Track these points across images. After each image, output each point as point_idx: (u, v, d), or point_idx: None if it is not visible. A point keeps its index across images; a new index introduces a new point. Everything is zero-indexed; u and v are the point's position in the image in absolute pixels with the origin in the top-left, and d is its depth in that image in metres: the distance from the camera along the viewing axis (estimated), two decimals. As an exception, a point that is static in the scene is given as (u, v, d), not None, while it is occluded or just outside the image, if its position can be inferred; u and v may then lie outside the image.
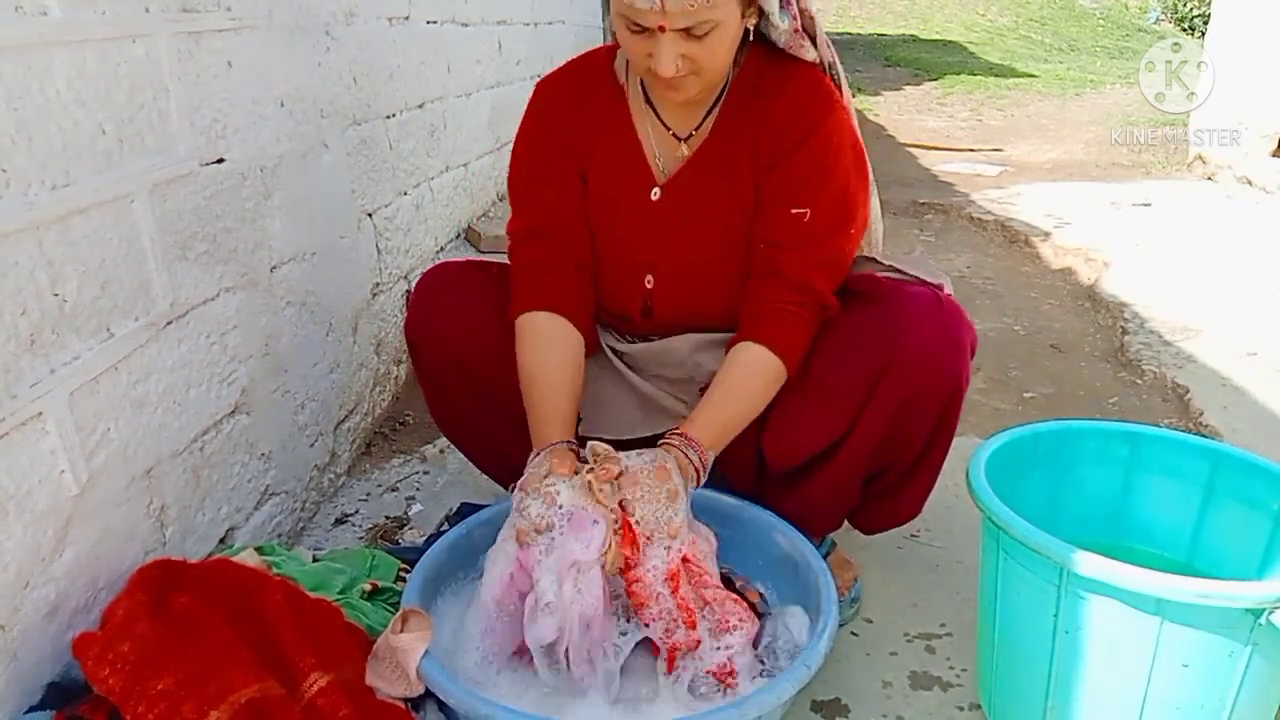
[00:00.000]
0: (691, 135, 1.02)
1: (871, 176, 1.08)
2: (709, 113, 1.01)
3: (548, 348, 1.01)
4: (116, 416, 0.90)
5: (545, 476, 0.89)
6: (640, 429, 1.13)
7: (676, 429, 0.95)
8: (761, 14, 0.93)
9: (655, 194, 1.02)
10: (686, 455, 0.92)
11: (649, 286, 1.06)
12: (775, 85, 0.99)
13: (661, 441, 0.94)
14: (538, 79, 1.12)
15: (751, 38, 0.95)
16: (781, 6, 0.93)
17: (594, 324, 1.08)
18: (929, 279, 1.03)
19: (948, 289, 1.03)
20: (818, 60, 1.01)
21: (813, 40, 0.99)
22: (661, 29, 0.86)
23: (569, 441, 0.95)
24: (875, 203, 1.11)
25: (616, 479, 0.88)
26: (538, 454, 0.94)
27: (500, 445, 1.15)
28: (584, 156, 1.04)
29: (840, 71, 1.04)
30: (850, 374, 0.97)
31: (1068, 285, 2.68)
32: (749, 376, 0.97)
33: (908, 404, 0.98)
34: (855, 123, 1.04)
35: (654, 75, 0.91)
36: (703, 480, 0.94)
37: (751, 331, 0.97)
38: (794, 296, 0.97)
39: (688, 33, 0.87)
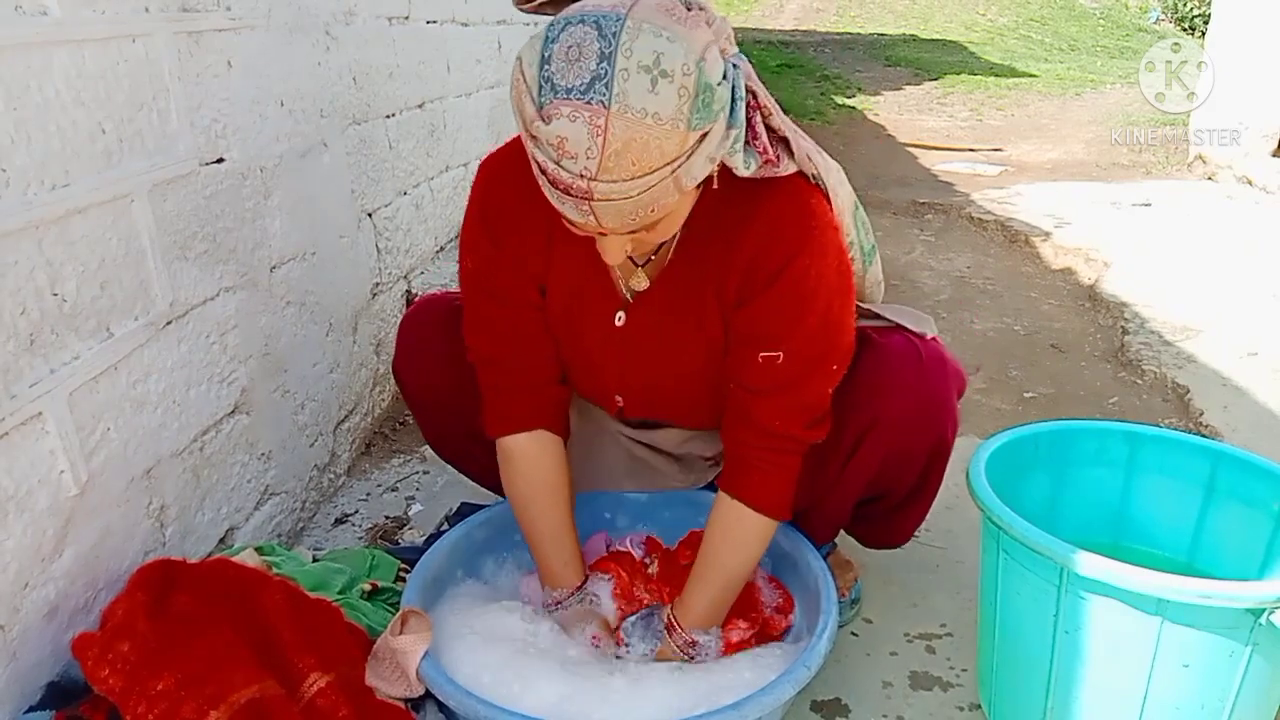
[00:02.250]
0: (650, 260, 0.92)
1: (876, 255, 1.02)
2: (672, 237, 0.89)
3: (534, 475, 0.98)
4: (116, 416, 0.90)
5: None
6: (626, 485, 1.14)
7: (673, 622, 0.96)
8: (722, 165, 0.80)
9: (620, 319, 0.94)
10: (677, 648, 0.95)
11: (620, 403, 1.03)
12: (745, 209, 0.87)
13: (667, 639, 0.96)
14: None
15: (714, 183, 0.80)
16: (748, 146, 0.79)
17: (568, 420, 1.02)
18: (912, 327, 0.98)
19: (931, 334, 0.98)
20: (797, 173, 0.87)
21: (789, 151, 0.86)
22: (603, 234, 0.77)
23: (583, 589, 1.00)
24: (877, 266, 1.04)
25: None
26: (559, 604, 0.99)
27: (493, 465, 1.14)
28: (542, 269, 0.93)
29: (826, 180, 0.90)
30: (833, 436, 0.94)
31: (1068, 285, 2.68)
32: (738, 548, 0.94)
33: (892, 458, 0.98)
34: (845, 235, 0.92)
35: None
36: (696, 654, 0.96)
37: (734, 485, 0.93)
38: (769, 443, 0.91)
39: (633, 232, 0.77)
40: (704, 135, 0.72)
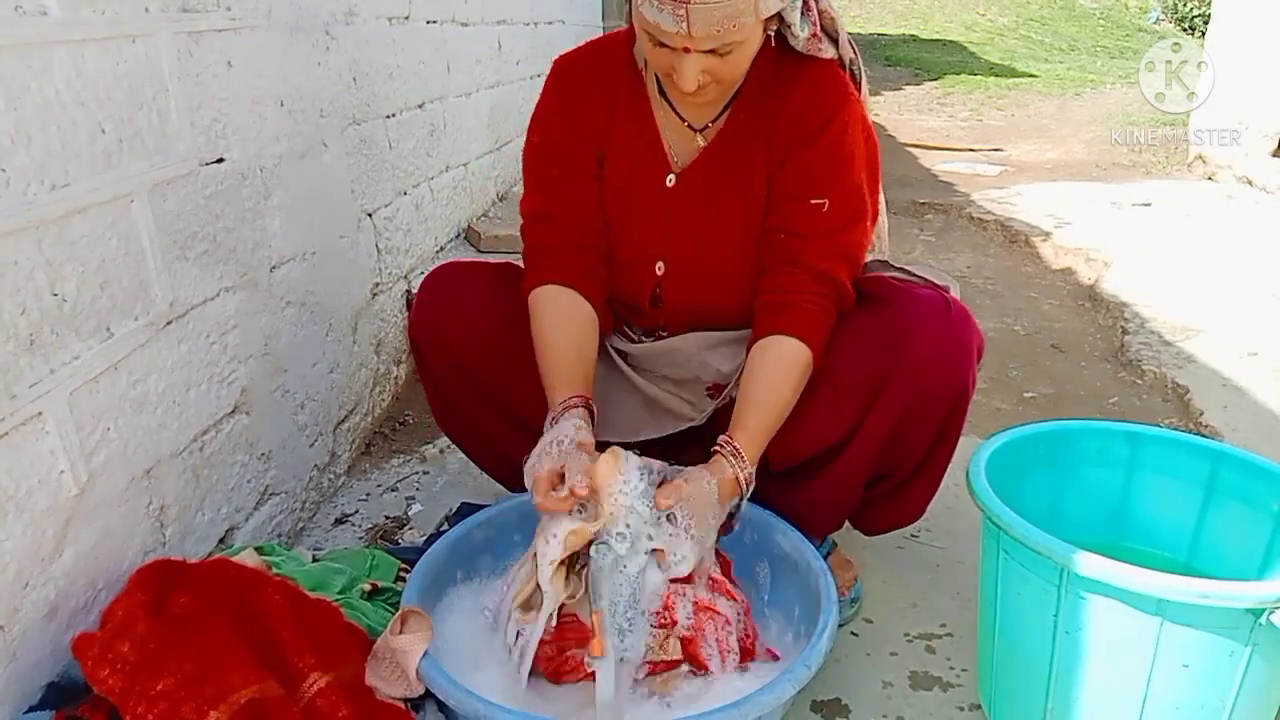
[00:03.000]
0: (707, 128, 1.02)
1: (880, 174, 1.09)
2: (725, 108, 1.02)
3: (561, 315, 1.01)
4: (116, 416, 0.90)
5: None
6: (646, 430, 1.13)
7: (730, 440, 0.93)
8: (783, 21, 0.94)
9: (670, 181, 1.03)
10: (739, 476, 0.92)
11: (659, 274, 1.05)
12: (791, 81, 1.00)
13: (717, 453, 0.93)
14: (538, 79, 1.12)
15: (773, 42, 0.96)
16: (803, 14, 0.94)
17: (606, 303, 1.07)
18: (936, 281, 1.03)
19: (954, 292, 1.03)
20: (836, 58, 1.01)
21: (833, 40, 1.00)
22: (686, 50, 0.88)
23: (584, 399, 0.96)
24: (881, 200, 1.12)
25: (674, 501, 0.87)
26: (554, 420, 0.95)
27: (501, 445, 1.15)
28: (601, 141, 1.04)
29: (860, 68, 1.05)
30: (856, 375, 0.97)
31: (1068, 285, 2.68)
32: (787, 374, 0.96)
33: (912, 407, 0.98)
34: (869, 118, 1.04)
35: (674, 84, 0.93)
36: (747, 495, 0.94)
37: (779, 323, 0.96)
38: (816, 286, 0.97)
39: (712, 52, 0.88)
40: None
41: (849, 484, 1.06)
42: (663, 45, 0.89)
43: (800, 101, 0.98)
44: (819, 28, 0.98)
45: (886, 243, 1.18)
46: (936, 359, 0.96)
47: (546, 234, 1.04)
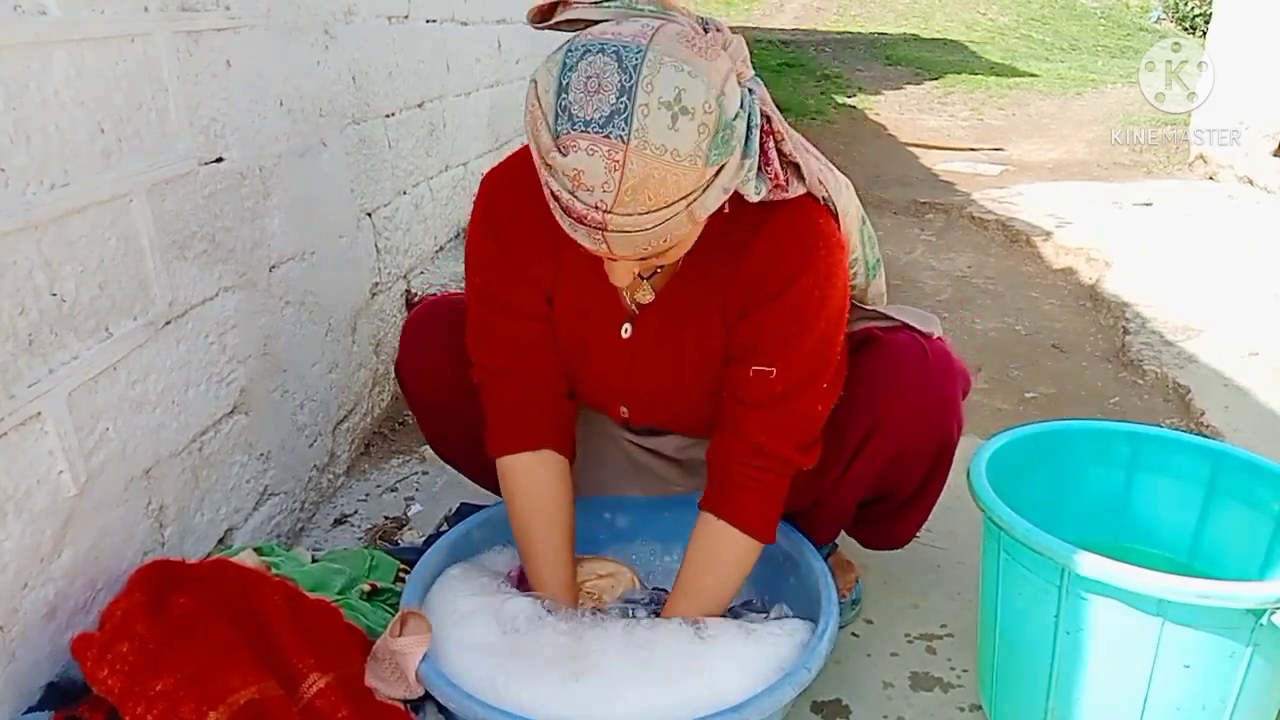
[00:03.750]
0: (655, 273, 0.92)
1: (880, 258, 1.02)
2: None
3: (537, 492, 0.97)
4: (115, 416, 0.90)
5: None
6: (629, 489, 1.14)
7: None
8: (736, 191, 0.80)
9: (626, 331, 0.94)
10: None
11: (625, 415, 1.03)
12: (753, 227, 0.87)
13: None
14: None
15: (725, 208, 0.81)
16: (759, 173, 0.79)
17: (573, 437, 1.02)
18: (918, 326, 0.98)
19: (937, 333, 0.99)
20: (806, 193, 0.87)
21: (800, 176, 0.86)
22: (613, 260, 0.78)
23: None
24: (881, 279, 1.05)
25: None
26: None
27: (493, 467, 1.14)
28: (550, 280, 0.94)
29: (836, 201, 0.90)
30: (836, 436, 0.95)
31: (1069, 285, 2.68)
32: (719, 568, 0.93)
33: (897, 457, 0.97)
34: (851, 252, 0.93)
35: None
36: None
37: (718, 503, 0.92)
38: (754, 459, 0.90)
39: (643, 258, 0.78)
40: (720, 169, 0.72)
41: (837, 517, 1.07)
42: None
43: (761, 258, 0.87)
44: (780, 179, 0.82)
45: (883, 305, 1.08)
46: (918, 412, 0.94)
47: (510, 392, 0.97)
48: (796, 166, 0.85)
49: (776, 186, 0.82)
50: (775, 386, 0.88)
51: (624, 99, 0.67)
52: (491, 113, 2.45)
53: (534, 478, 0.98)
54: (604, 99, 0.68)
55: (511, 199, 0.92)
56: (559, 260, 0.93)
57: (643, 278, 0.92)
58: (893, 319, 1.00)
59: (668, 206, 0.70)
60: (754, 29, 9.44)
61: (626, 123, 0.67)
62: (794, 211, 0.87)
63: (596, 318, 0.95)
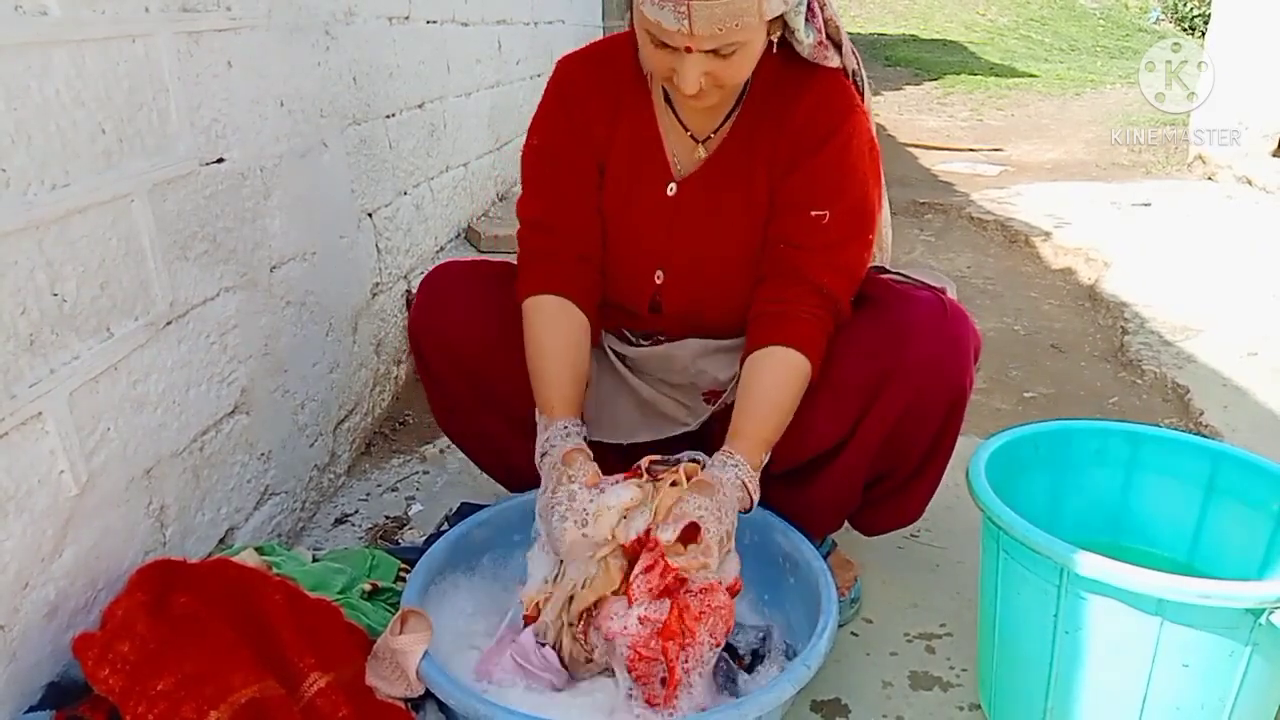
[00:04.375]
0: (710, 138, 1.01)
1: (883, 182, 1.07)
2: (728, 116, 1.01)
3: (555, 325, 1.01)
4: (116, 416, 0.90)
5: (571, 490, 0.90)
6: (640, 433, 1.13)
7: (730, 450, 0.93)
8: (786, 26, 0.93)
9: (671, 189, 1.02)
10: (742, 480, 0.91)
11: (659, 282, 1.05)
12: (795, 90, 0.98)
13: (722, 462, 0.92)
14: (538, 79, 1.12)
15: (775, 49, 0.94)
16: (807, 20, 0.93)
17: (599, 313, 1.07)
18: (933, 284, 1.02)
19: (951, 293, 1.03)
20: (841, 67, 0.99)
21: (837, 48, 0.98)
22: (688, 49, 0.86)
23: (577, 424, 0.97)
24: (885, 207, 1.11)
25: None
26: (547, 435, 0.96)
27: (500, 444, 1.15)
28: (602, 147, 1.03)
29: (864, 78, 1.04)
30: (854, 377, 0.97)
31: (1068, 285, 2.68)
32: (786, 383, 0.95)
33: (911, 409, 0.98)
34: (874, 128, 1.03)
35: (676, 87, 0.91)
36: (756, 500, 0.94)
37: (777, 334, 0.96)
38: (813, 299, 0.96)
39: (714, 52, 0.86)
40: None
41: (848, 484, 1.06)
42: (664, 46, 0.87)
43: (805, 111, 0.97)
44: (824, 35, 0.96)
45: (889, 252, 1.17)
46: (934, 360, 0.96)
47: (544, 242, 1.04)
48: (839, 32, 0.98)
49: (819, 44, 0.95)
50: (831, 232, 0.96)
51: None
52: (492, 113, 2.45)
53: (555, 320, 1.01)
54: None
55: (583, 72, 1.04)
56: (616, 126, 1.02)
57: (696, 140, 1.01)
58: (912, 279, 1.04)
59: None
60: (753, 29, 9.41)
61: None
62: (830, 76, 0.99)
63: (644, 178, 1.03)
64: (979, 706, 1.02)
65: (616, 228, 1.04)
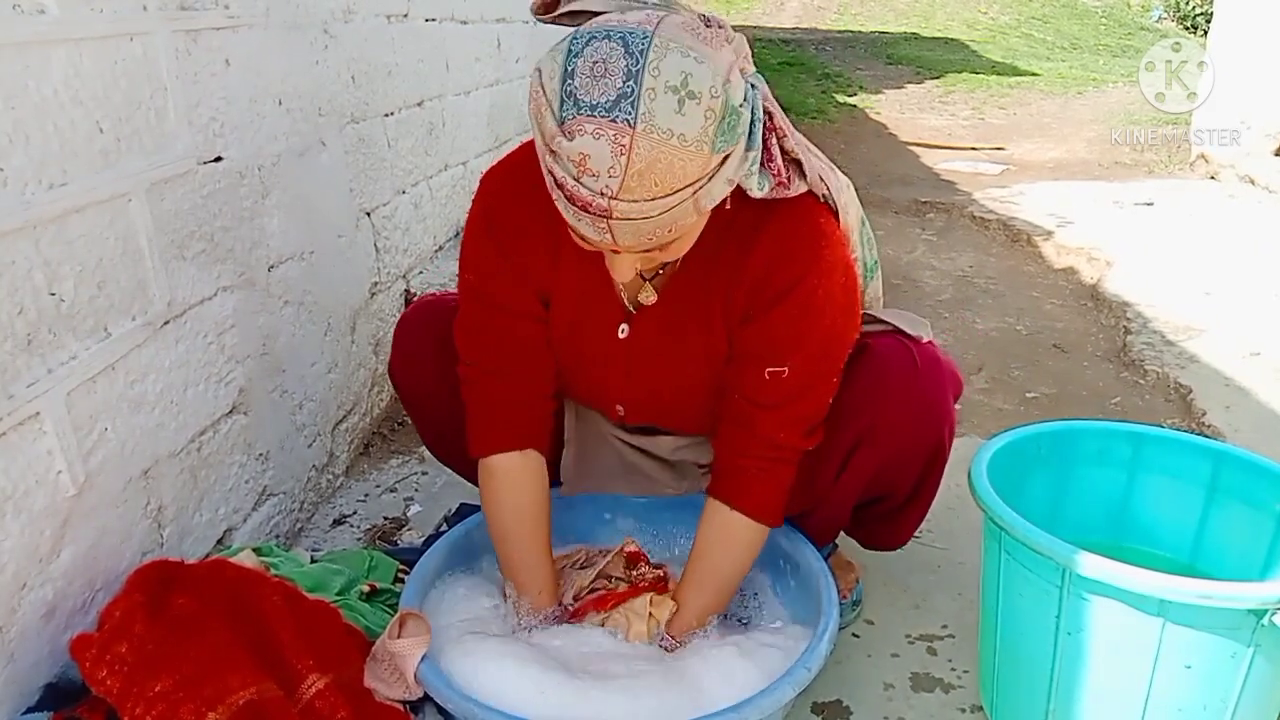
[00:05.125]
0: (658, 275, 0.92)
1: (877, 260, 1.02)
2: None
3: (517, 498, 0.98)
4: (114, 416, 0.90)
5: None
6: (619, 487, 1.13)
7: (671, 635, 0.95)
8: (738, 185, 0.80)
9: (623, 332, 0.94)
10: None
11: (620, 414, 1.03)
12: (754, 227, 0.87)
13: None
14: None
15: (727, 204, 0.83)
16: (762, 169, 0.80)
17: (551, 433, 1.02)
18: (906, 329, 0.97)
19: (926, 337, 0.97)
20: (807, 190, 0.87)
21: (803, 174, 0.86)
22: (616, 252, 0.78)
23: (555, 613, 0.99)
24: (878, 282, 1.04)
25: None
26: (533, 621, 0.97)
27: None
28: (547, 281, 0.93)
29: (837, 200, 0.90)
30: (828, 442, 0.94)
31: (1070, 285, 2.68)
32: (733, 553, 0.95)
33: (888, 464, 0.97)
34: (851, 251, 0.92)
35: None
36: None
37: (727, 493, 0.93)
38: (768, 453, 0.91)
39: (647, 250, 0.77)
40: (725, 158, 0.72)
41: (833, 524, 1.07)
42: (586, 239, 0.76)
43: (764, 259, 0.87)
44: (782, 175, 0.83)
45: (879, 309, 1.07)
46: (907, 422, 0.94)
47: (496, 391, 0.96)
48: (798, 164, 0.85)
49: (779, 184, 0.83)
50: (788, 386, 0.89)
51: (630, 83, 0.67)
52: (491, 112, 2.45)
53: (517, 481, 0.98)
54: (610, 83, 0.67)
55: (511, 196, 0.91)
56: (558, 260, 0.92)
57: (644, 278, 0.92)
58: (884, 322, 0.99)
59: (674, 194, 0.70)
60: (755, 28, 9.43)
61: (633, 106, 0.67)
62: (795, 210, 0.87)
63: (593, 318, 0.95)
64: (981, 708, 1.02)
65: (570, 367, 0.98)
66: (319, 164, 1.39)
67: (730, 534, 0.94)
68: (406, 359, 1.09)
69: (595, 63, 0.68)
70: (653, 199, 0.69)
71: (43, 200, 0.79)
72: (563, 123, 0.69)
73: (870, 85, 6.83)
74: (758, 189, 0.80)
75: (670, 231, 0.73)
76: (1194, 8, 10.70)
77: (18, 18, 0.77)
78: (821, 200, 0.89)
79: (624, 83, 0.67)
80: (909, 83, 7.06)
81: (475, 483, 1.22)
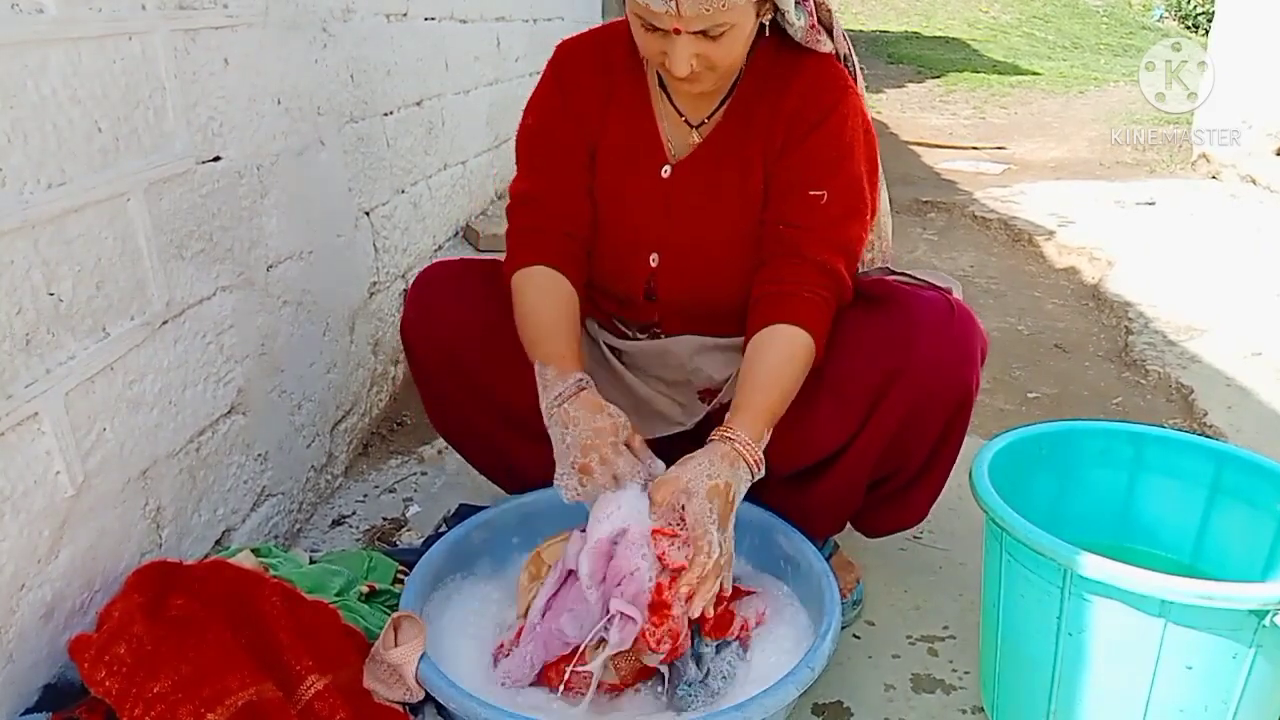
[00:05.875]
0: (704, 123, 1.02)
1: (881, 171, 1.08)
2: (723, 102, 1.02)
3: (547, 292, 1.01)
4: (112, 417, 0.90)
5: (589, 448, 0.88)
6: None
7: (729, 427, 0.90)
8: (777, 9, 0.93)
9: (666, 171, 1.03)
10: (744, 457, 0.89)
11: (654, 265, 1.04)
12: (788, 74, 0.99)
13: (720, 436, 0.89)
14: (537, 76, 1.11)
15: (767, 32, 0.96)
16: (798, 3, 0.94)
17: (587, 295, 1.07)
18: (939, 284, 1.02)
19: (957, 294, 1.02)
20: (833, 51, 1.01)
21: (829, 33, 1.00)
22: (677, 31, 0.87)
23: (582, 379, 0.94)
24: (884, 197, 1.11)
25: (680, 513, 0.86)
26: (557, 389, 0.92)
27: (498, 445, 1.14)
28: (596, 131, 1.04)
29: (855, 63, 1.05)
30: (861, 377, 0.96)
31: (1072, 285, 2.68)
32: (790, 360, 0.93)
33: (916, 410, 0.97)
34: (868, 114, 1.04)
35: (668, 71, 0.92)
36: (758, 474, 0.90)
37: (780, 313, 0.95)
38: (816, 278, 0.95)
39: (703, 34, 0.87)
40: None
41: (851, 486, 1.05)
42: (654, 29, 0.88)
43: (798, 94, 0.98)
44: (815, 19, 0.97)
45: (890, 241, 1.17)
46: (940, 361, 0.95)
47: (531, 217, 1.04)
48: (830, 14, 0.98)
49: (812, 27, 0.96)
50: (830, 209, 0.97)
51: None
52: (491, 111, 2.44)
53: (543, 286, 1.01)
54: None
55: (579, 56, 1.06)
56: (609, 111, 1.04)
57: (690, 125, 1.02)
58: (918, 279, 1.04)
59: None
60: (755, 28, 9.40)
61: None
62: (823, 62, 1.00)
63: (638, 161, 1.03)
64: (982, 709, 1.02)
65: (610, 210, 1.04)
66: (318, 163, 1.38)
67: (789, 344, 0.94)
68: (419, 318, 1.10)
69: None
70: None
71: (41, 200, 0.79)
72: None
73: (871, 84, 6.79)
74: (795, 18, 0.93)
75: (725, 7, 0.85)
76: (1195, 7, 10.69)
77: (16, 17, 0.77)
78: (843, 61, 1.02)
79: None
80: (910, 82, 7.06)
81: (475, 462, 1.23)
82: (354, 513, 1.43)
